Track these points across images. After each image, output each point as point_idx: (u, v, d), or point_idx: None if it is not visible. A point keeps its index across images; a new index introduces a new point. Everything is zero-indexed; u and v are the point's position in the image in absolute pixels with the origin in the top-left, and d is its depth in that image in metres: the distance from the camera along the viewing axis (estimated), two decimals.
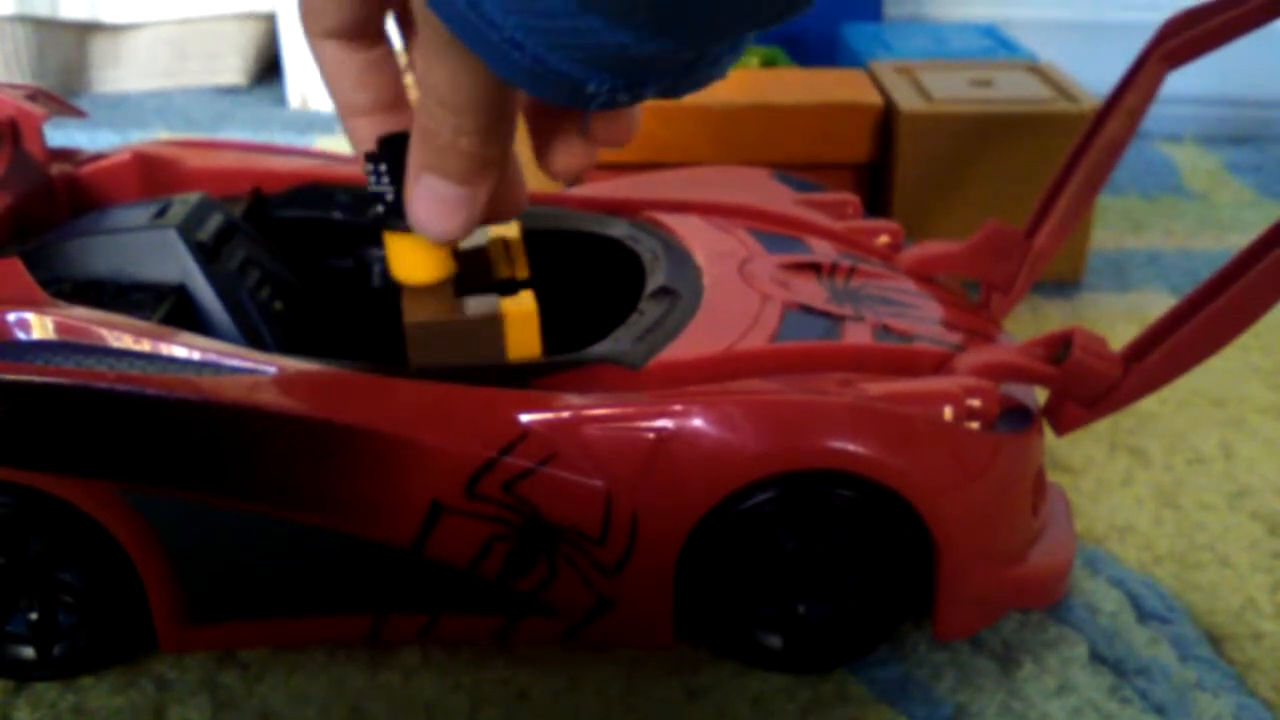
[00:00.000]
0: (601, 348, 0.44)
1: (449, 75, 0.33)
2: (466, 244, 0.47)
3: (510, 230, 0.48)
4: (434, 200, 0.36)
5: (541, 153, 0.38)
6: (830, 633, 0.44)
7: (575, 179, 0.40)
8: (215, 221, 0.48)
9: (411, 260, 0.43)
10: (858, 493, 0.42)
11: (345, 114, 0.40)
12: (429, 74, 0.33)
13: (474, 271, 0.47)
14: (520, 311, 0.43)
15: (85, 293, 0.45)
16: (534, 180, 0.71)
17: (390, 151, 0.39)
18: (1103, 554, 0.50)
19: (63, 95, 0.75)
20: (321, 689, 0.44)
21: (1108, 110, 0.53)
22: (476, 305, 0.44)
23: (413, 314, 0.43)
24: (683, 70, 0.32)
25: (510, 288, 0.47)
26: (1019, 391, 0.46)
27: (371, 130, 0.39)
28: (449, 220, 0.37)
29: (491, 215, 0.39)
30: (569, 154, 0.38)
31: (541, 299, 0.55)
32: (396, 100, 0.40)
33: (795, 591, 0.44)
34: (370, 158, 0.40)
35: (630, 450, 0.41)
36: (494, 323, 0.43)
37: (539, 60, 0.29)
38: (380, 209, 0.41)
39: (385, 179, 0.41)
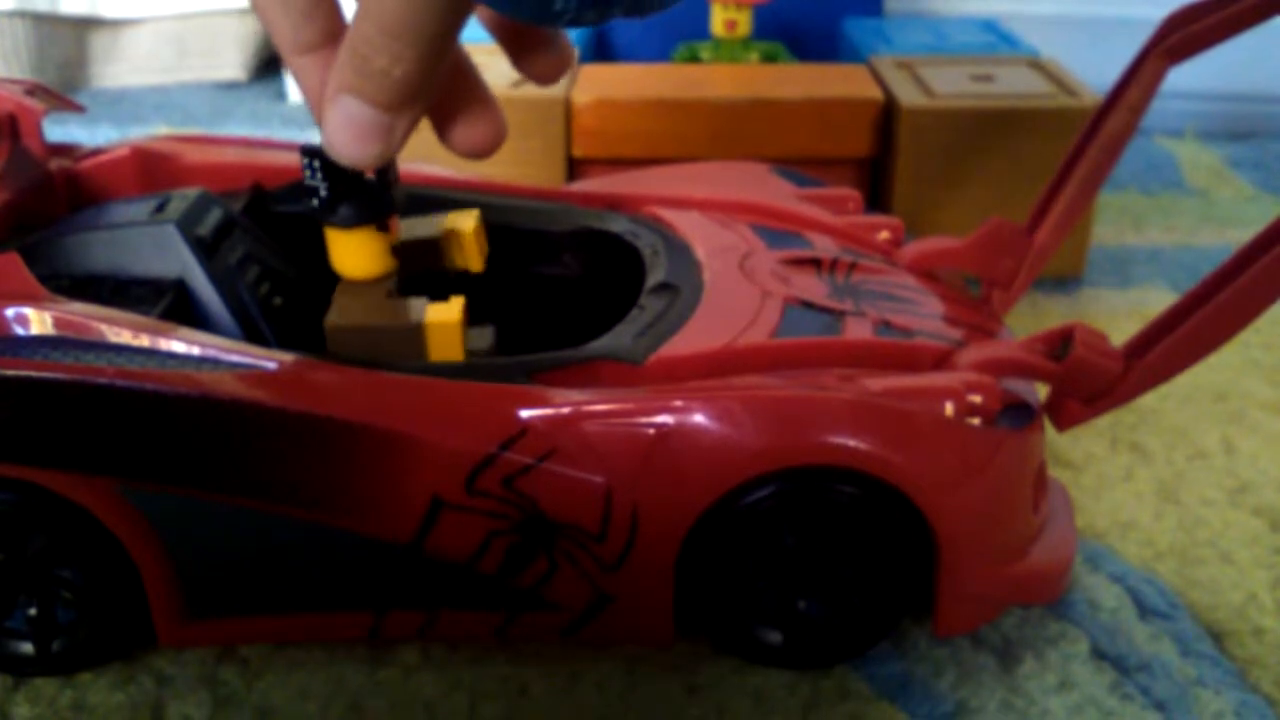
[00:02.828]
0: (602, 343, 0.44)
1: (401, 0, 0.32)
2: (419, 235, 0.47)
3: (465, 223, 0.48)
4: (351, 124, 0.36)
5: (517, 61, 0.39)
6: (831, 629, 0.44)
7: (553, 81, 0.40)
8: (214, 217, 0.47)
9: (346, 254, 0.43)
10: (858, 489, 0.42)
11: (291, 52, 0.38)
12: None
13: (424, 264, 0.47)
14: (442, 321, 0.43)
15: (84, 288, 0.45)
16: (534, 177, 0.71)
17: (333, 158, 0.38)
18: (1104, 550, 0.50)
19: (62, 90, 0.75)
20: (321, 685, 0.44)
21: (1109, 106, 0.53)
22: (402, 310, 0.43)
23: (336, 315, 0.43)
24: None
25: (462, 282, 0.47)
26: (1020, 387, 0.46)
27: (319, 68, 0.37)
28: (365, 145, 0.36)
29: (468, 151, 0.39)
30: (544, 61, 0.39)
31: (541, 295, 0.55)
32: (343, 34, 0.38)
33: (796, 587, 0.43)
34: (306, 151, 0.40)
35: (630, 446, 0.41)
36: (415, 331, 0.43)
37: None
38: (315, 203, 0.41)
39: (319, 174, 0.41)
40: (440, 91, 0.39)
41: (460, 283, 0.53)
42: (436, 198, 0.53)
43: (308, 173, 0.41)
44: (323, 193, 0.41)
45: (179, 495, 0.41)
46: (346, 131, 0.36)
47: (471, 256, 0.48)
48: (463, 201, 0.54)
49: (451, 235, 0.48)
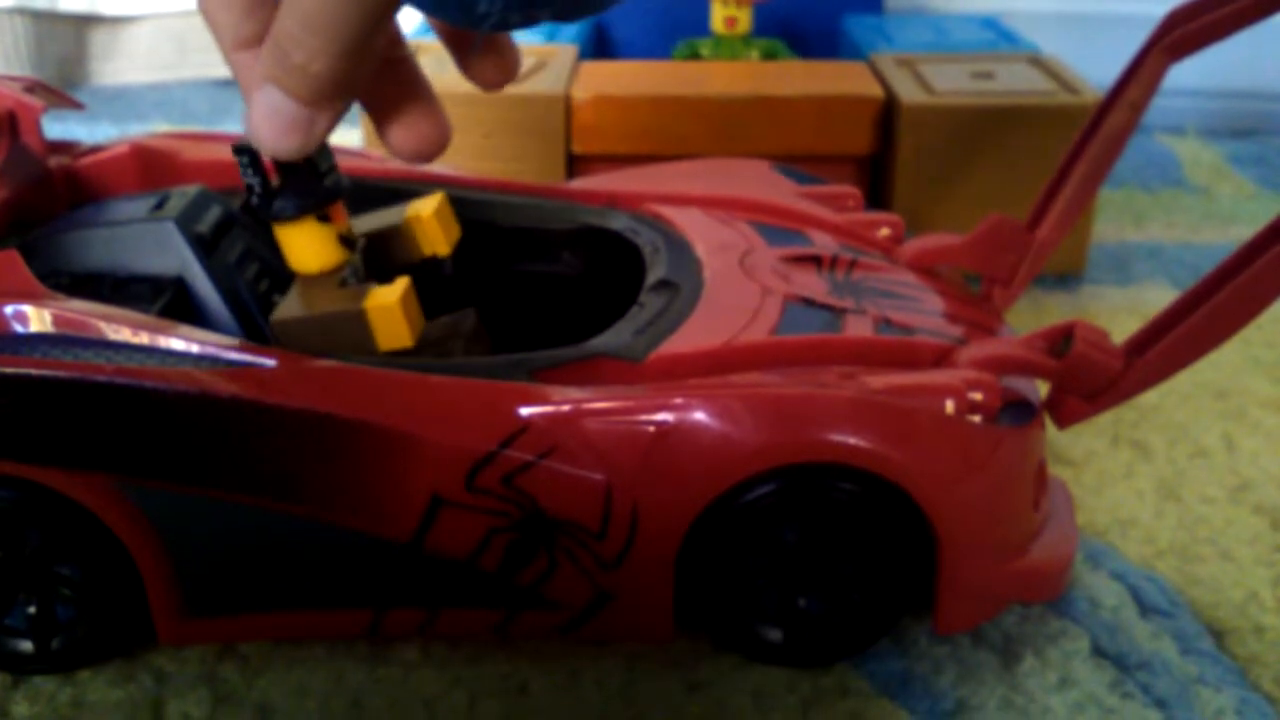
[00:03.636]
0: (602, 341, 0.44)
1: None
2: (381, 226, 0.47)
3: (426, 208, 0.48)
4: (272, 114, 0.36)
5: (462, 65, 0.39)
6: (831, 626, 0.44)
7: (498, 87, 0.40)
8: (214, 214, 0.47)
9: (297, 250, 0.43)
10: (859, 486, 0.42)
11: (230, 47, 0.38)
12: None
13: (389, 255, 0.47)
14: (381, 304, 0.42)
15: (83, 285, 0.45)
16: (534, 174, 0.71)
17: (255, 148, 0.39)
18: (1104, 548, 0.50)
19: (61, 87, 0.74)
20: (321, 683, 0.44)
21: (1109, 103, 0.53)
22: (347, 298, 0.43)
23: (281, 309, 0.43)
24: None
25: (431, 267, 0.47)
26: (1021, 385, 0.46)
27: (255, 64, 0.37)
28: (284, 138, 0.36)
29: (407, 153, 0.39)
30: (489, 66, 0.39)
31: (541, 292, 0.55)
32: None
33: (796, 585, 0.43)
34: (239, 150, 0.40)
35: (630, 443, 0.41)
36: (357, 317, 0.43)
37: None
38: (253, 200, 0.42)
39: (250, 170, 0.41)
40: (378, 90, 0.39)
41: (459, 277, 0.53)
42: (411, 191, 0.53)
43: (242, 170, 0.41)
44: (257, 189, 0.41)
45: (178, 493, 0.41)
46: (268, 122, 0.36)
47: (436, 240, 0.48)
48: (460, 198, 0.54)
49: (414, 221, 0.47)
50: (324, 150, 0.42)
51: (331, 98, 0.35)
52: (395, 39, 0.40)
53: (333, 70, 0.34)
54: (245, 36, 0.38)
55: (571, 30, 0.88)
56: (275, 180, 0.42)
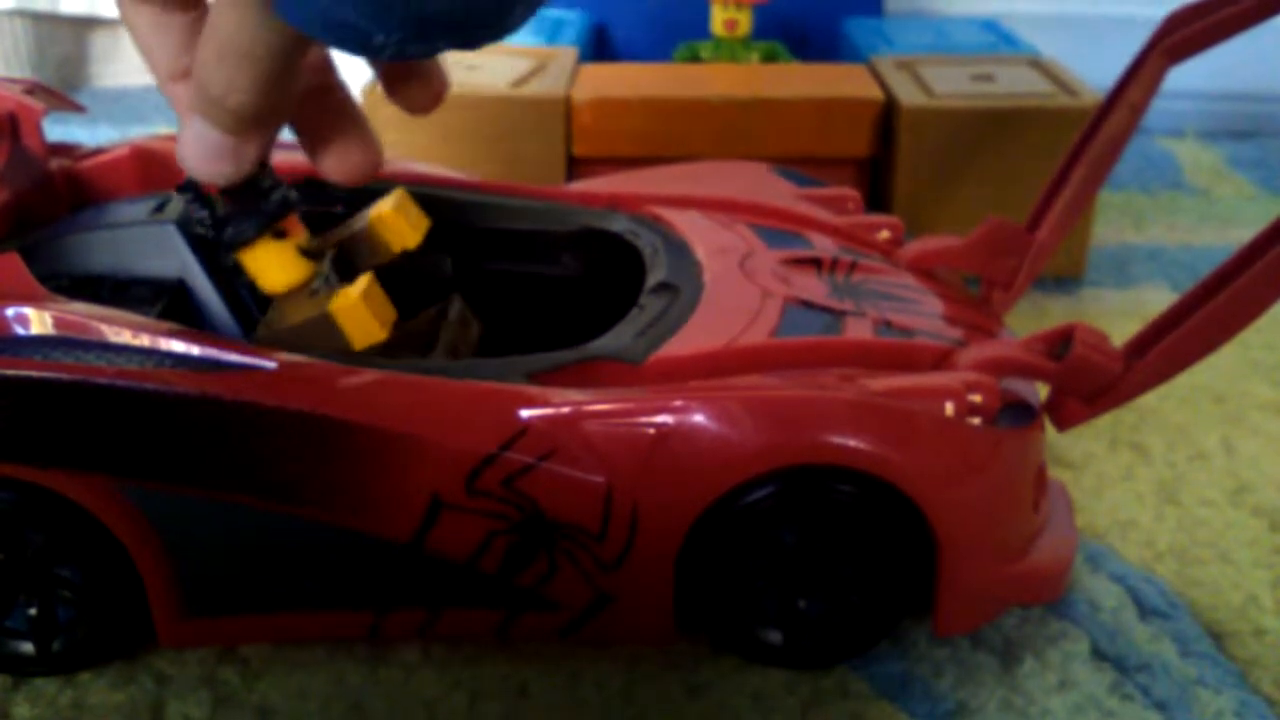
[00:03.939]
0: (602, 343, 0.44)
1: (235, 23, 0.33)
2: (348, 231, 0.47)
3: (386, 205, 0.48)
4: (200, 144, 0.36)
5: (390, 89, 0.39)
6: (831, 628, 0.44)
7: (425, 112, 0.40)
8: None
9: (265, 271, 0.43)
10: (858, 488, 0.42)
11: (166, 79, 0.39)
12: (215, 22, 0.33)
13: (361, 258, 0.47)
14: (345, 304, 0.43)
15: (84, 288, 0.45)
16: (534, 176, 0.71)
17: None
18: (1104, 550, 0.50)
19: (62, 90, 0.74)
20: (321, 685, 0.44)
21: (1109, 105, 0.53)
22: (311, 306, 0.43)
23: (260, 329, 0.44)
24: (472, 27, 0.31)
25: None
26: (1020, 387, 0.46)
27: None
28: (213, 165, 0.37)
29: (338, 178, 0.40)
30: (414, 91, 0.39)
31: (541, 295, 0.55)
32: None
33: (796, 587, 0.43)
34: (182, 188, 0.42)
35: (630, 446, 0.41)
36: (325, 321, 0.43)
37: (326, 10, 0.30)
38: (207, 234, 0.43)
39: (197, 205, 0.42)
40: (307, 117, 0.40)
41: (459, 279, 0.53)
42: (420, 195, 0.53)
43: (189, 208, 0.42)
44: (207, 222, 0.42)
45: (179, 494, 0.41)
46: (197, 151, 0.37)
47: (403, 234, 0.47)
48: (460, 200, 0.54)
49: (376, 222, 0.47)
50: (265, 169, 0.42)
51: (253, 127, 0.36)
52: (323, 66, 0.41)
53: (249, 102, 0.35)
54: (180, 69, 0.39)
55: (571, 32, 0.88)
56: (221, 208, 0.42)
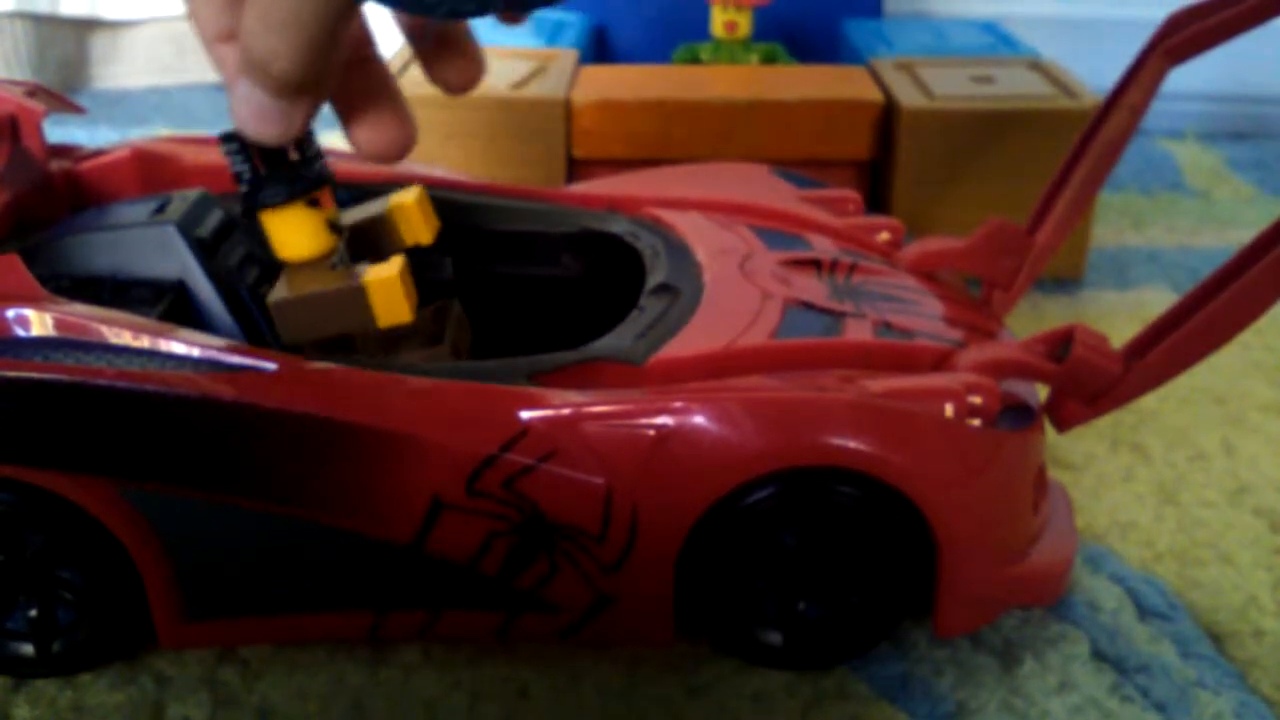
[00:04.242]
0: (602, 344, 0.44)
1: None
2: (365, 215, 0.48)
3: (408, 197, 0.48)
4: (248, 105, 0.37)
5: (428, 69, 0.39)
6: (831, 630, 0.44)
7: (463, 91, 0.40)
8: (215, 218, 0.47)
9: (281, 236, 0.43)
10: (858, 490, 0.42)
11: (212, 40, 0.39)
12: None
13: (373, 243, 0.47)
14: (381, 278, 0.43)
15: (84, 289, 0.45)
16: (534, 178, 0.71)
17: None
18: (1104, 551, 0.50)
19: (62, 92, 0.75)
20: (321, 686, 0.44)
21: (1109, 107, 0.53)
22: (343, 277, 0.43)
23: (279, 291, 0.43)
24: None
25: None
26: (1020, 388, 0.46)
27: (236, 56, 0.38)
28: (263, 126, 0.37)
29: (371, 153, 0.40)
30: (451, 70, 0.39)
31: (541, 296, 0.55)
32: None
33: (796, 588, 0.43)
34: (226, 138, 0.41)
35: (631, 447, 0.41)
36: (356, 293, 0.43)
37: None
38: (243, 188, 0.42)
39: (238, 158, 0.42)
40: (346, 89, 0.40)
41: (459, 279, 0.53)
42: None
43: (230, 159, 0.42)
44: (246, 176, 0.42)
45: (179, 496, 0.41)
46: (246, 111, 0.37)
47: (418, 229, 0.48)
48: (461, 202, 0.54)
49: (397, 210, 0.48)
50: (309, 138, 0.43)
51: (298, 92, 0.36)
52: (364, 39, 0.41)
53: (292, 69, 0.35)
54: (224, 29, 0.39)
55: (571, 34, 0.88)
56: (262, 169, 0.42)
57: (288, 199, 0.42)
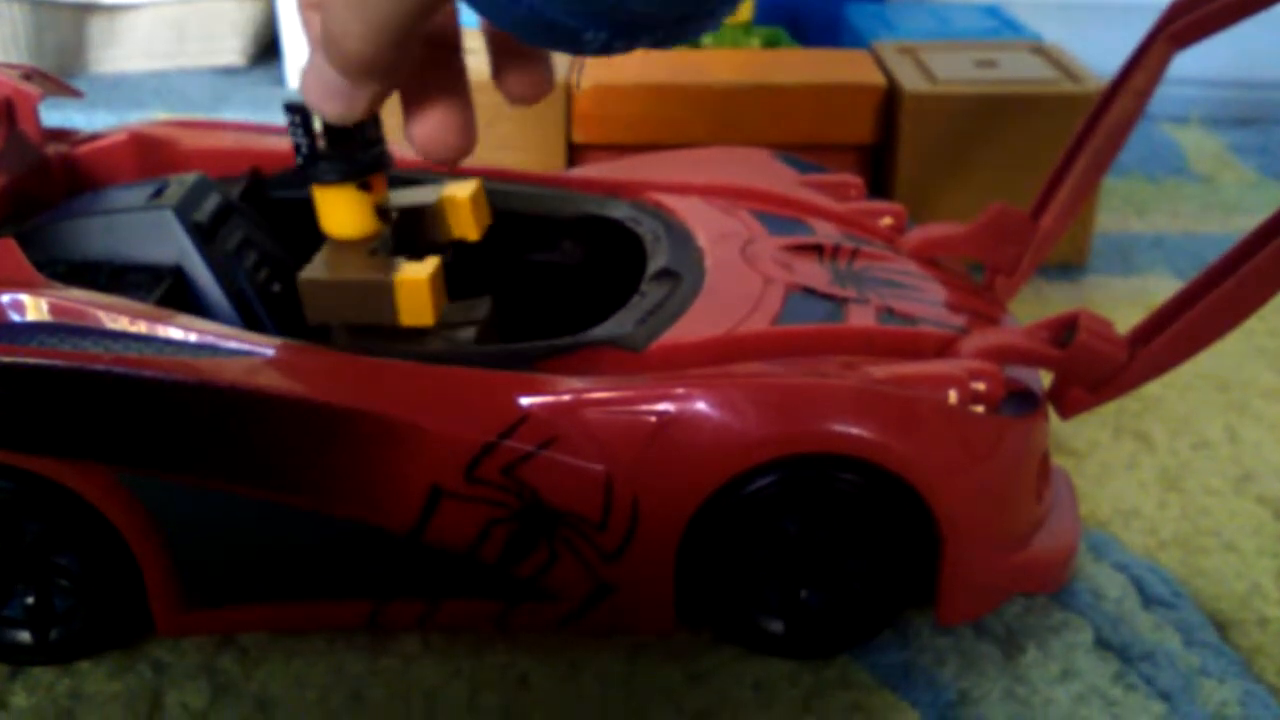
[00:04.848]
0: (603, 330, 0.44)
1: None
2: (415, 203, 0.47)
3: (462, 191, 0.48)
4: (317, 77, 0.36)
5: (498, 76, 0.39)
6: (832, 618, 0.44)
7: (532, 102, 0.40)
8: (212, 202, 0.47)
9: (333, 214, 0.43)
10: (861, 476, 0.41)
11: (305, 4, 0.39)
12: None
13: (420, 232, 0.47)
14: (411, 279, 0.43)
15: (81, 274, 0.45)
16: (535, 163, 0.71)
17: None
18: (1107, 538, 0.50)
19: (60, 76, 0.74)
20: (321, 674, 0.43)
21: (1113, 91, 0.53)
22: (377, 268, 0.43)
23: (310, 269, 0.43)
24: (677, 22, 0.31)
25: (457, 250, 0.47)
26: (1024, 375, 0.46)
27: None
28: (330, 103, 0.37)
29: (428, 151, 0.39)
30: (524, 81, 0.39)
31: (541, 281, 0.55)
32: None
33: (798, 576, 0.43)
34: (290, 109, 0.41)
35: (631, 434, 0.40)
36: (384, 288, 0.43)
37: (535, 10, 0.29)
38: (300, 160, 0.42)
39: (300, 130, 0.42)
40: (417, 83, 0.39)
41: (461, 263, 0.53)
42: (413, 179, 0.53)
43: (291, 129, 0.42)
44: (304, 149, 0.42)
45: (177, 483, 0.41)
46: (313, 84, 0.37)
47: (467, 224, 0.48)
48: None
49: (447, 202, 0.47)
50: (374, 121, 0.43)
51: (366, 75, 0.36)
52: (448, 40, 0.40)
53: (365, 48, 0.34)
54: None
55: None
56: (321, 143, 0.43)
57: (340, 179, 0.43)
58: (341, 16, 0.34)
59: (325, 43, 0.35)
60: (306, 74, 0.37)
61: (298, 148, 0.42)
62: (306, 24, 0.39)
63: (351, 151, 0.43)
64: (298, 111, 0.42)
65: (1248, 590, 0.48)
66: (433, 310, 0.43)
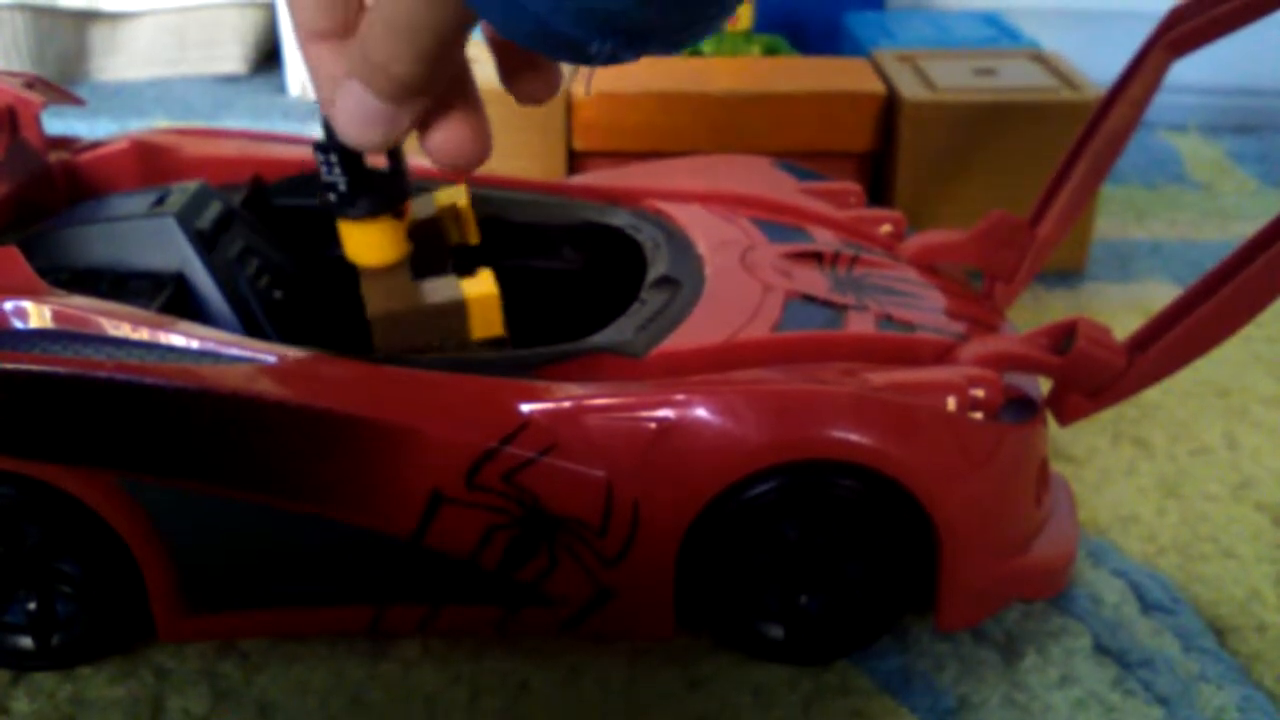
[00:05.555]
0: (603, 337, 0.44)
1: (409, 2, 0.33)
2: (418, 216, 0.47)
3: (459, 198, 0.48)
4: (356, 108, 0.36)
5: (508, 78, 0.39)
6: (832, 624, 0.44)
7: (540, 103, 0.40)
8: (214, 210, 0.47)
9: (367, 244, 0.43)
10: (860, 483, 0.41)
11: (308, 38, 0.38)
12: None
13: (426, 242, 0.47)
14: (481, 294, 0.43)
15: (83, 281, 0.45)
16: (535, 170, 0.71)
17: (340, 140, 0.38)
18: (1106, 545, 0.50)
19: (62, 83, 0.74)
20: (321, 680, 0.43)
21: (1112, 99, 0.53)
22: (437, 289, 0.44)
23: (376, 304, 0.43)
24: (681, 29, 0.32)
25: (463, 256, 0.47)
26: (1023, 381, 0.46)
27: (331, 56, 0.37)
28: (367, 131, 0.37)
29: (444, 158, 0.39)
30: (535, 82, 0.39)
31: (542, 289, 0.55)
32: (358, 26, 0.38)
33: (797, 582, 0.43)
34: (320, 147, 0.40)
35: (631, 440, 0.41)
36: (457, 308, 0.43)
37: (542, 22, 0.30)
38: (333, 198, 0.41)
39: (336, 169, 0.41)
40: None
41: (460, 272, 0.53)
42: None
43: (324, 169, 0.41)
44: (341, 187, 0.41)
45: (179, 489, 0.41)
46: (352, 115, 0.37)
47: (469, 230, 0.48)
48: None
49: (448, 211, 0.48)
50: (399, 148, 0.42)
51: (411, 96, 0.36)
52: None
53: (411, 72, 0.35)
54: (323, 29, 0.38)
55: None
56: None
57: (378, 212, 0.42)
58: (385, 44, 0.34)
59: (367, 72, 0.35)
60: (340, 110, 0.36)
61: (332, 186, 0.41)
62: (314, 60, 0.38)
63: (385, 181, 0.42)
64: (330, 150, 0.40)
65: (1246, 596, 0.48)
66: (501, 320, 0.44)
